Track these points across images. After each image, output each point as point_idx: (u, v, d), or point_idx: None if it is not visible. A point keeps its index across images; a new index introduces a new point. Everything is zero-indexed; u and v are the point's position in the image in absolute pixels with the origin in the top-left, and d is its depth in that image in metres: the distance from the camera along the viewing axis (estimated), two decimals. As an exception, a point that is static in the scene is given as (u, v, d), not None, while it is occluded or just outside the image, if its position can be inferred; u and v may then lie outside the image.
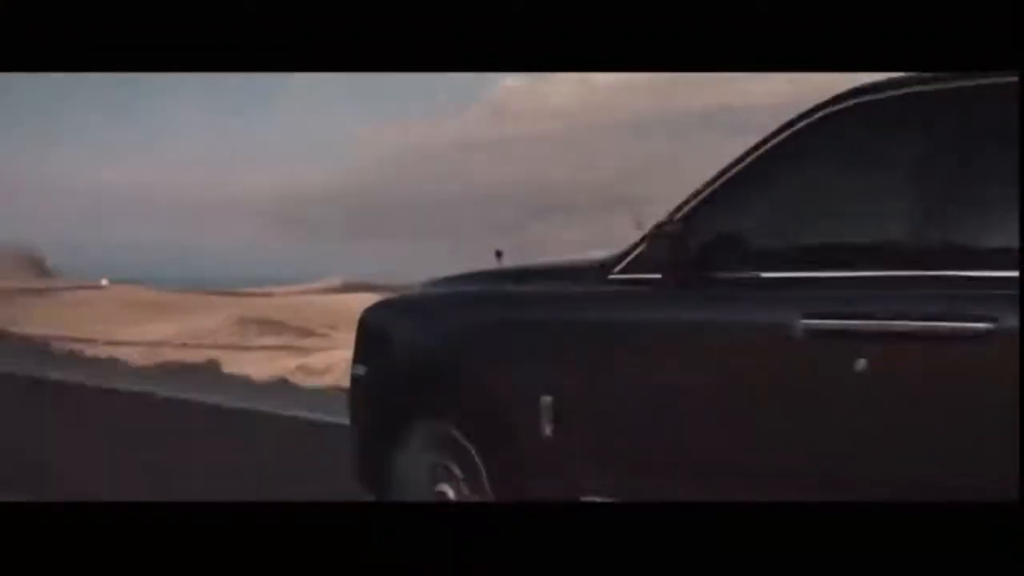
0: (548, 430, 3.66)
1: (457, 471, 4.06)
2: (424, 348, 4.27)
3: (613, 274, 3.67)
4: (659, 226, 3.45)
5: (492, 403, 3.89)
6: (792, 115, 3.29)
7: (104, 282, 79.34)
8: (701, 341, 3.38)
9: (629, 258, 3.63)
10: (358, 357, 4.62)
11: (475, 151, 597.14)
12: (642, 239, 3.59)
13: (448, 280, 4.45)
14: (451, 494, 4.12)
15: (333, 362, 22.97)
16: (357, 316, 4.57)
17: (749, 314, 3.25)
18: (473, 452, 3.95)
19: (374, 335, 4.63)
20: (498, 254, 4.50)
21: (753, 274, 3.28)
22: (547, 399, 3.64)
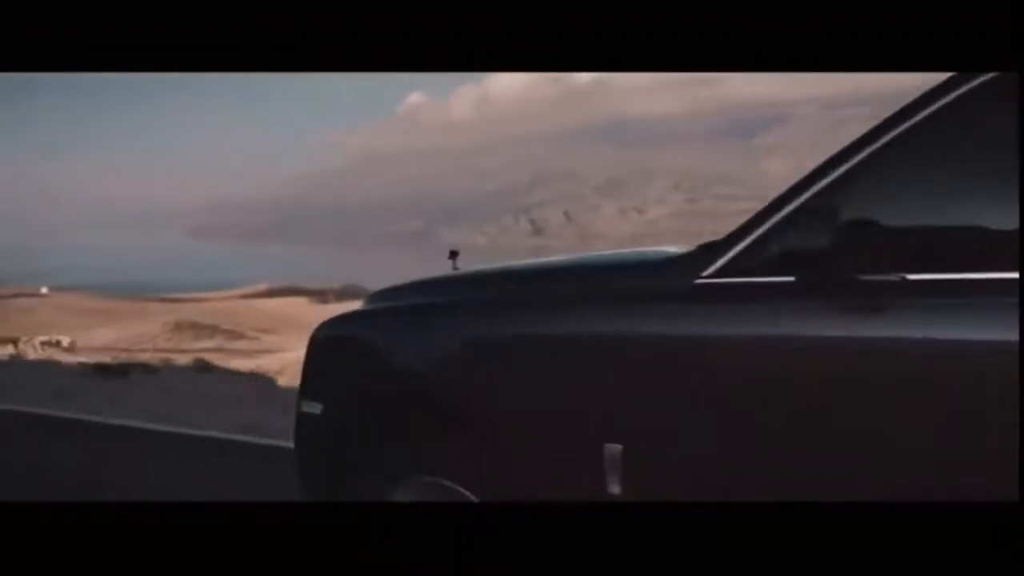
0: (616, 488, 2.53)
1: None
2: (410, 377, 3.00)
3: (704, 276, 2.51)
4: (792, 209, 2.38)
5: (521, 451, 2.74)
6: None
7: (44, 290, 77.56)
8: (878, 369, 2.27)
9: (732, 253, 2.48)
10: (310, 390, 3.28)
11: (383, 162, 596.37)
12: (747, 227, 2.48)
13: (421, 287, 3.25)
14: None
15: (287, 364, 22.63)
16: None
17: (937, 330, 2.21)
18: None
19: (332, 361, 3.31)
20: (453, 255, 3.51)
21: (903, 276, 2.25)
22: (615, 448, 2.54)
